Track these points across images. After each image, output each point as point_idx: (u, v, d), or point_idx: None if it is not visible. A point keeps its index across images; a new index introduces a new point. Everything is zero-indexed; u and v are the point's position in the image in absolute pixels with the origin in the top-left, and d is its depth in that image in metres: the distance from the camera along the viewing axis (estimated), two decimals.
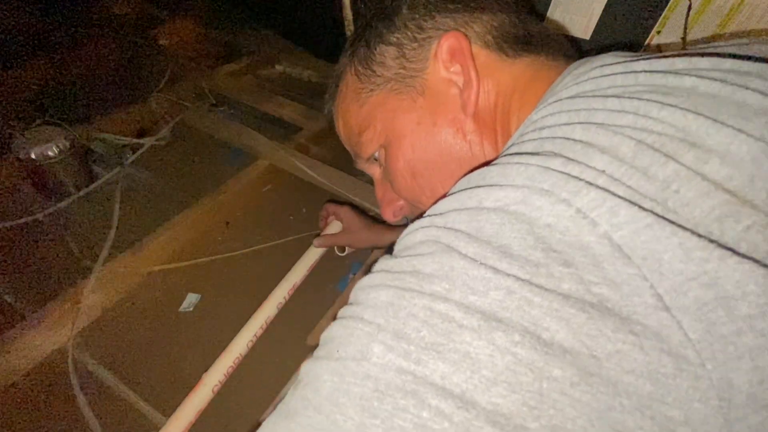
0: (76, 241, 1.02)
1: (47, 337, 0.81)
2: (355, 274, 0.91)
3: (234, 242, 1.09)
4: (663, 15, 0.70)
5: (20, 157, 1.04)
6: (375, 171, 0.49)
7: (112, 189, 1.14)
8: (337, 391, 0.20)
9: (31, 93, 1.51)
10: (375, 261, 0.89)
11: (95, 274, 0.87)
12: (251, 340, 0.57)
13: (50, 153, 1.05)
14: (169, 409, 0.78)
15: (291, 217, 1.19)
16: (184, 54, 1.78)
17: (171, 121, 1.38)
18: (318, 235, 0.82)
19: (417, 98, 0.39)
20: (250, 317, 0.59)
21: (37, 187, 1.14)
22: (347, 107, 0.45)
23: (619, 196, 0.20)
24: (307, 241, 1.17)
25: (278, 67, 1.87)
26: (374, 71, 0.41)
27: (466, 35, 0.37)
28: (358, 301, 0.24)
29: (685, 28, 0.69)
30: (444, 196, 0.27)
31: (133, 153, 1.26)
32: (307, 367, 0.23)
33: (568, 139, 0.24)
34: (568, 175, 0.22)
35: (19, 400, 0.76)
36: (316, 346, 0.24)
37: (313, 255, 0.67)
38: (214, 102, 1.55)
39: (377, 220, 0.79)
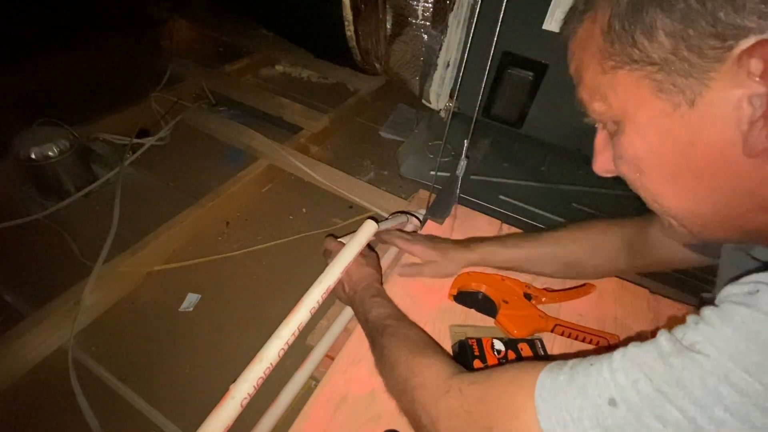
0: (76, 241, 1.02)
1: (47, 337, 0.81)
2: None
3: (234, 242, 1.09)
4: None
5: (20, 157, 1.04)
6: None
7: (112, 189, 1.14)
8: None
9: (31, 93, 1.51)
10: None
11: (95, 274, 0.87)
12: (283, 348, 0.53)
13: (50, 153, 1.05)
14: (169, 408, 0.78)
15: (291, 217, 1.19)
16: (184, 54, 1.78)
17: (171, 121, 1.38)
18: (328, 235, 0.76)
19: (680, 106, 0.28)
20: (281, 322, 0.54)
21: (37, 187, 1.14)
22: (584, 58, 0.35)
23: None
24: (307, 241, 1.18)
25: (278, 67, 1.87)
26: (635, 41, 0.30)
27: None
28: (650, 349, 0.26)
29: None
30: None
31: (133, 153, 1.26)
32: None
33: None
34: None
35: (19, 400, 0.76)
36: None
37: (347, 256, 0.62)
38: (214, 102, 1.55)
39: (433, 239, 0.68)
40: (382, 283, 0.62)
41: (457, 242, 0.66)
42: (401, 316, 0.52)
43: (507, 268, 0.63)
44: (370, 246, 0.68)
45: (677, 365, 0.24)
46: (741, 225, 0.31)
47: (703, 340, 0.24)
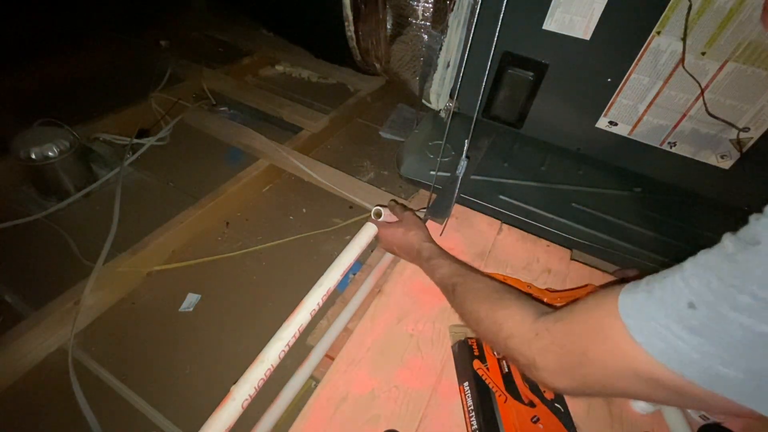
0: (76, 241, 1.02)
1: (47, 337, 0.81)
2: (355, 274, 0.90)
3: (234, 242, 1.09)
4: (663, 15, 0.70)
5: (20, 157, 1.04)
6: None
7: (112, 189, 1.14)
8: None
9: (31, 93, 1.51)
10: (374, 261, 0.88)
11: (95, 274, 0.87)
12: (283, 350, 0.53)
13: (50, 153, 1.05)
14: (169, 408, 0.78)
15: (291, 217, 1.19)
16: (184, 54, 1.78)
17: (171, 121, 1.38)
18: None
19: None
20: (281, 325, 0.55)
21: (37, 187, 1.14)
22: None
23: None
24: (307, 242, 1.18)
25: (278, 67, 1.87)
26: None
27: None
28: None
29: (685, 28, 0.69)
30: None
31: (133, 153, 1.26)
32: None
33: None
34: None
35: (19, 400, 0.76)
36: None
37: (348, 259, 0.63)
38: (214, 102, 1.55)
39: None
40: (430, 239, 0.63)
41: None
42: (463, 272, 0.53)
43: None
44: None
45: (742, 260, 0.26)
46: None
47: (763, 230, 0.26)
